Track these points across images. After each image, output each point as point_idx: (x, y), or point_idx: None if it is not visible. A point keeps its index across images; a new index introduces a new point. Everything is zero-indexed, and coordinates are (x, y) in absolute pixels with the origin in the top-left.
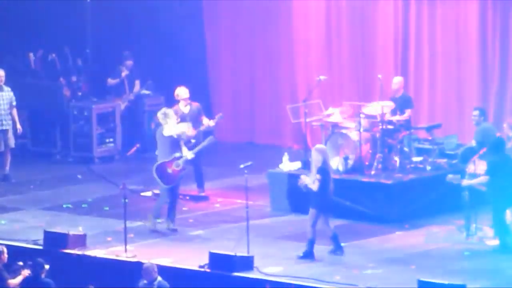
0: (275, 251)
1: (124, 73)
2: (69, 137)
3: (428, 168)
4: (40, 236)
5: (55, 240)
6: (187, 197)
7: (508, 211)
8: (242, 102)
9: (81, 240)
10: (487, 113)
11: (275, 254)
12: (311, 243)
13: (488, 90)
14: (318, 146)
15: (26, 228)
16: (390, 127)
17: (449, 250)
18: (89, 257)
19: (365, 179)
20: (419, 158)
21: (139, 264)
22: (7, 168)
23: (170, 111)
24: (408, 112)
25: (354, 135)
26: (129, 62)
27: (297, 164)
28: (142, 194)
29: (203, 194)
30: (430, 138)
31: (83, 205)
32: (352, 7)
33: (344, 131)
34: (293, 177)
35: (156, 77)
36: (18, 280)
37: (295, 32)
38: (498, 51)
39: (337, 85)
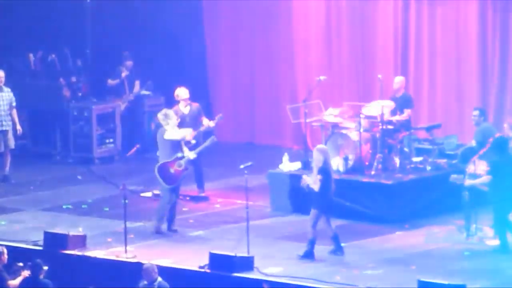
0: (275, 252)
1: (124, 74)
2: (69, 137)
3: (428, 168)
4: (40, 237)
5: (55, 241)
6: (187, 198)
7: None
8: (242, 103)
9: (81, 241)
10: (487, 113)
11: (275, 254)
12: (312, 243)
13: (488, 90)
14: (319, 146)
15: (26, 229)
16: (390, 127)
17: (449, 250)
18: (89, 258)
19: (365, 179)
20: (419, 158)
21: (139, 265)
22: (7, 169)
23: (170, 112)
24: (407, 112)
25: (354, 135)
26: (129, 63)
27: (297, 165)
28: (142, 194)
29: (203, 194)
30: (430, 138)
31: (83, 206)
32: (352, 7)
33: (344, 131)
34: (293, 177)
35: (156, 78)
36: (18, 281)
37: (295, 32)
38: (498, 51)
39: (337, 85)
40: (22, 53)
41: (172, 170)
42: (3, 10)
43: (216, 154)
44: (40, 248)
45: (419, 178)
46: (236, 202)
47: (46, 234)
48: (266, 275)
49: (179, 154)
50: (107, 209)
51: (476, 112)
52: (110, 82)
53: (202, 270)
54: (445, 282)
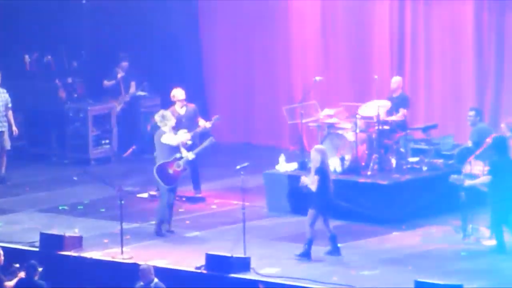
0: (271, 252)
1: (120, 75)
2: (65, 138)
3: (425, 168)
4: (36, 238)
5: (51, 242)
6: (184, 199)
7: None
8: (239, 103)
9: (77, 242)
10: (483, 113)
11: (272, 255)
12: (310, 243)
13: (484, 91)
14: (317, 146)
15: (22, 230)
16: (386, 127)
17: (446, 251)
18: (85, 259)
19: (361, 180)
20: (415, 159)
21: (135, 266)
22: (3, 170)
23: (167, 113)
24: (402, 112)
25: (350, 136)
26: (125, 64)
27: (294, 165)
28: (139, 195)
29: (199, 195)
30: (427, 138)
31: (79, 207)
32: (348, 7)
33: (340, 131)
34: (289, 178)
35: (152, 79)
36: (14, 282)
37: (291, 33)
38: (493, 51)
39: (333, 85)
40: (17, 54)
41: (170, 171)
42: None
43: (212, 155)
44: (37, 249)
45: (415, 179)
46: (232, 203)
47: (42, 235)
48: (263, 275)
49: (178, 155)
50: (103, 210)
51: (472, 113)
52: (106, 83)
53: (199, 271)
54: (442, 282)
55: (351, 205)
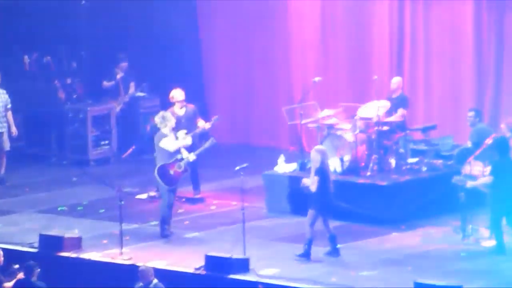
0: (271, 253)
1: (119, 75)
2: (64, 139)
3: (424, 169)
4: (35, 239)
5: (50, 243)
6: (183, 199)
7: None
8: (238, 104)
9: (76, 243)
10: (482, 114)
11: (271, 256)
12: (309, 243)
13: (484, 91)
14: (317, 147)
15: (22, 231)
16: (385, 128)
17: (446, 251)
18: (84, 260)
19: (360, 181)
20: (415, 159)
21: (134, 267)
22: (2, 171)
23: (168, 114)
24: (401, 112)
25: (349, 137)
26: (124, 64)
27: (293, 166)
28: (138, 196)
29: (199, 196)
30: (427, 138)
31: (78, 208)
32: (347, 8)
33: (339, 132)
34: (289, 179)
35: (152, 79)
36: (13, 283)
37: (290, 33)
38: (493, 51)
39: (333, 86)
40: (17, 55)
41: (171, 172)
42: None
43: (211, 156)
44: (36, 250)
45: (414, 179)
46: (231, 204)
47: (42, 236)
48: (262, 276)
49: (179, 156)
50: (102, 211)
51: (472, 113)
52: (105, 83)
53: (198, 272)
54: (442, 283)
55: (350, 205)
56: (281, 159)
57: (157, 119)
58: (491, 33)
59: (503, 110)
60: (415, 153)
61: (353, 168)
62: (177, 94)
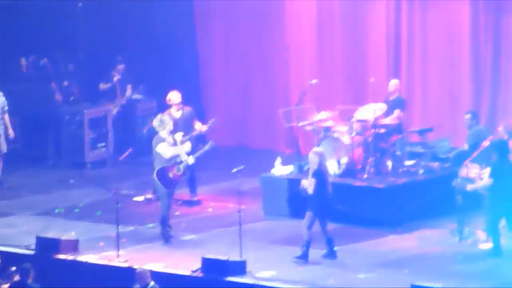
0: (268, 255)
1: (116, 78)
2: (61, 142)
3: (421, 171)
4: (32, 241)
5: (47, 245)
6: (180, 202)
7: None
8: (235, 106)
9: (73, 245)
10: (479, 116)
11: (268, 258)
12: (307, 245)
13: (480, 94)
14: (315, 149)
15: (18, 233)
16: (382, 130)
17: (442, 254)
18: (81, 262)
19: (357, 183)
20: (412, 162)
21: (131, 269)
22: None
23: (166, 118)
24: (397, 113)
25: (346, 139)
26: (121, 67)
27: (290, 168)
28: (135, 199)
29: (195, 198)
30: (424, 141)
31: (75, 210)
32: (344, 10)
33: (336, 135)
34: (286, 181)
35: (148, 82)
36: (8, 286)
37: (287, 35)
38: (490, 54)
39: (329, 88)
40: (14, 57)
41: (171, 175)
42: None
43: (208, 158)
44: (32, 252)
45: (411, 182)
46: (228, 206)
47: (38, 238)
48: (259, 279)
49: (178, 159)
50: (99, 213)
51: (468, 116)
52: (102, 86)
53: (195, 274)
54: (438, 285)
55: (347, 208)
56: (278, 161)
57: (155, 122)
58: (488, 35)
59: (500, 113)
60: (411, 155)
61: (350, 171)
62: (174, 96)
